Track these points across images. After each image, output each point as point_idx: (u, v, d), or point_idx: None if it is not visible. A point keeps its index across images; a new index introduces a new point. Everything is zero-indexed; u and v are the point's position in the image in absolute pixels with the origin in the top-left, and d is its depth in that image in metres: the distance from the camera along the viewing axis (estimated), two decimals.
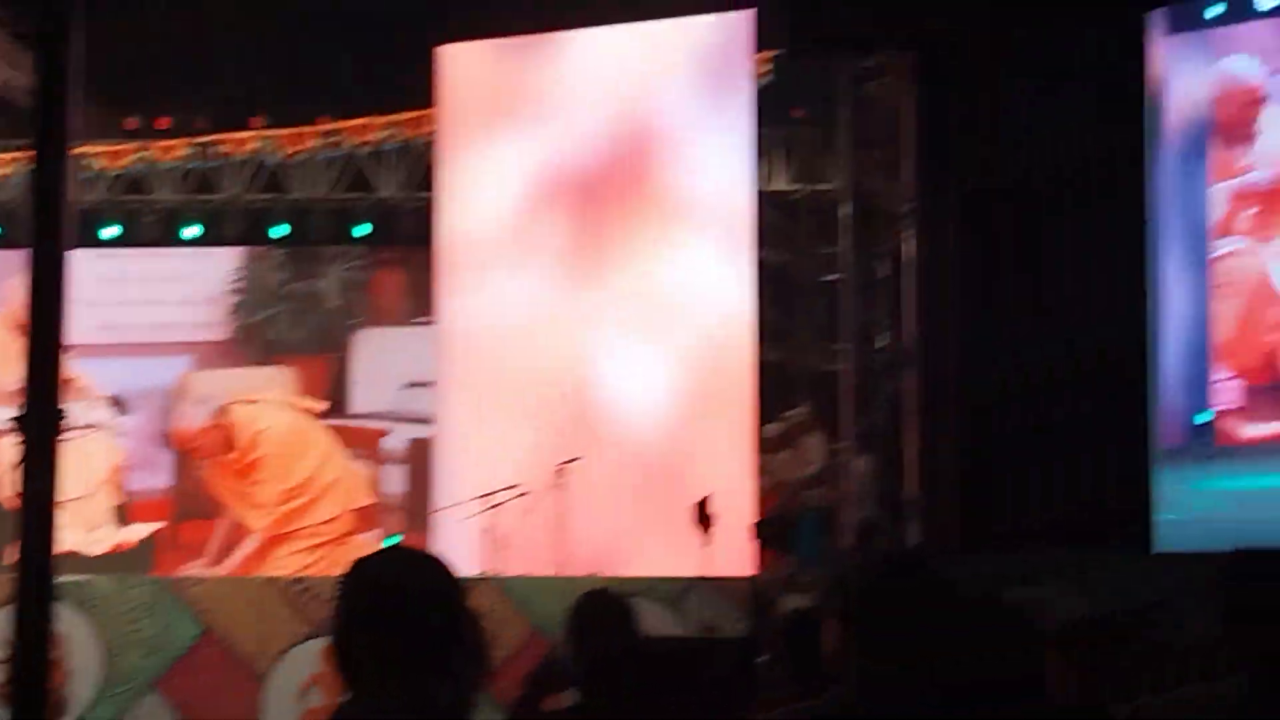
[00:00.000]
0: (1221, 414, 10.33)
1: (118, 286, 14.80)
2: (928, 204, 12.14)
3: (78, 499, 13.14)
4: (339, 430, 14.37)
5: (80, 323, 14.94)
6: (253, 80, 14.48)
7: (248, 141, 14.56)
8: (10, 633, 4.73)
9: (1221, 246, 10.38)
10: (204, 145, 14.66)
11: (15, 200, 15.12)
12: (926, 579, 2.55)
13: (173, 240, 15.14)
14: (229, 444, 13.89)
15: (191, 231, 14.91)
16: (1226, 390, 10.28)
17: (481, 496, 10.76)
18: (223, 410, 13.99)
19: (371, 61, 13.64)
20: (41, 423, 4.72)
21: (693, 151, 12.06)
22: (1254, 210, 10.32)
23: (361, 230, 14.92)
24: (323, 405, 14.24)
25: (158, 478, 14.48)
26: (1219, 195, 10.42)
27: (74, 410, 13.60)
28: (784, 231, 13.35)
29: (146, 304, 14.86)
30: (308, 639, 9.70)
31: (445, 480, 12.20)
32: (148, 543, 13.68)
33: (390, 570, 2.40)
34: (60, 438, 4.75)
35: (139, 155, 14.71)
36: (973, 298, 11.90)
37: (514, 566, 10.46)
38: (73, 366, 13.77)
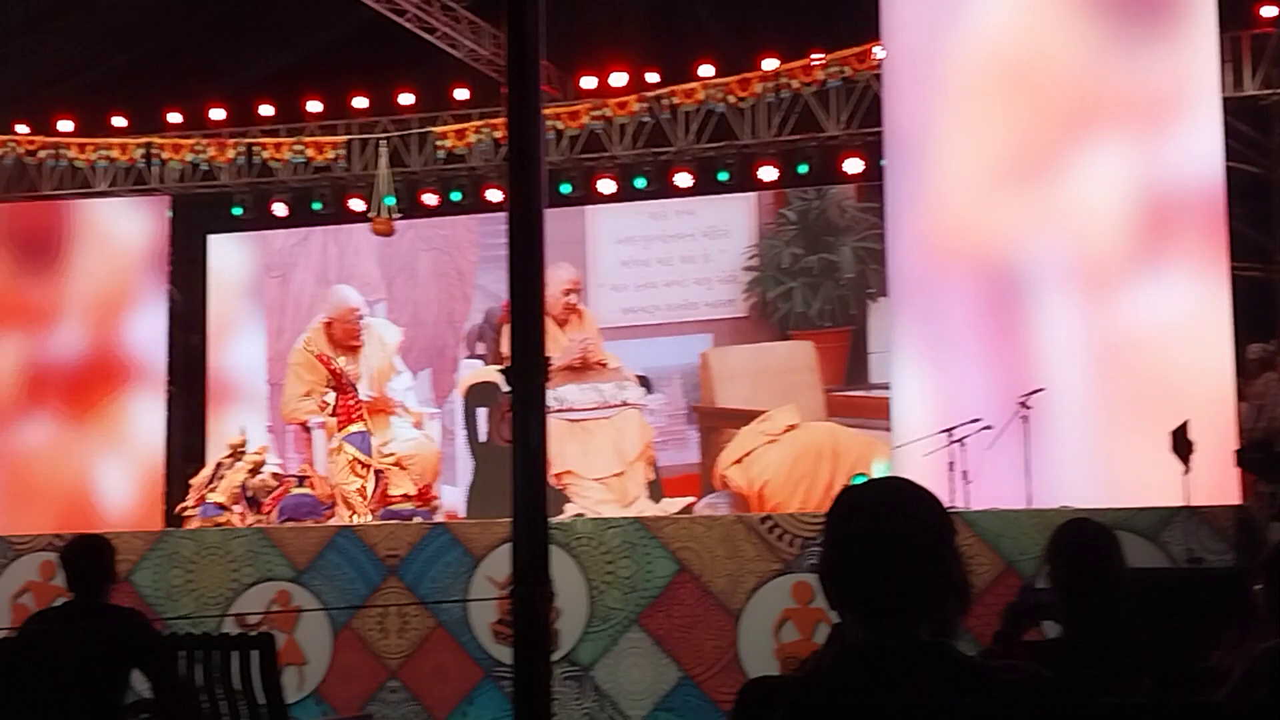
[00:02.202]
0: None
1: (639, 271, 15.58)
2: None
3: (616, 475, 13.83)
4: (859, 402, 14.60)
5: (608, 307, 15.89)
6: (697, 28, 14.75)
7: (696, 91, 14.85)
8: (510, 572, 5.01)
9: None
10: (656, 98, 15.04)
11: (486, 165, 15.98)
12: None
13: (629, 195, 15.72)
14: None
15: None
16: None
17: (944, 431, 10.65)
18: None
19: None
20: (528, 374, 4.95)
21: (1152, 56, 11.45)
22: None
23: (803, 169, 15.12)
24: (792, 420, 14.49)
25: (686, 453, 15.14)
26: None
27: (609, 390, 14.44)
28: (1254, 140, 12.64)
29: (667, 286, 15.57)
30: (778, 575, 9.87)
31: (905, 417, 12.12)
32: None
33: (883, 499, 2.41)
34: (545, 386, 4.97)
35: (596, 113, 15.22)
36: None
37: (981, 500, 10.32)
38: (606, 348, 14.64)
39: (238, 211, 17.09)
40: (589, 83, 15.56)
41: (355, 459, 12.64)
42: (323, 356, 13.24)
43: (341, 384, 13.01)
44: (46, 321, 16.73)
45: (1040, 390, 10.74)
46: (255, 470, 13.01)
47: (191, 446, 16.49)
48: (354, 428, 12.81)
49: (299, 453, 13.73)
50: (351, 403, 12.90)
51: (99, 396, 16.54)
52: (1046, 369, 11.21)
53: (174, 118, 17.05)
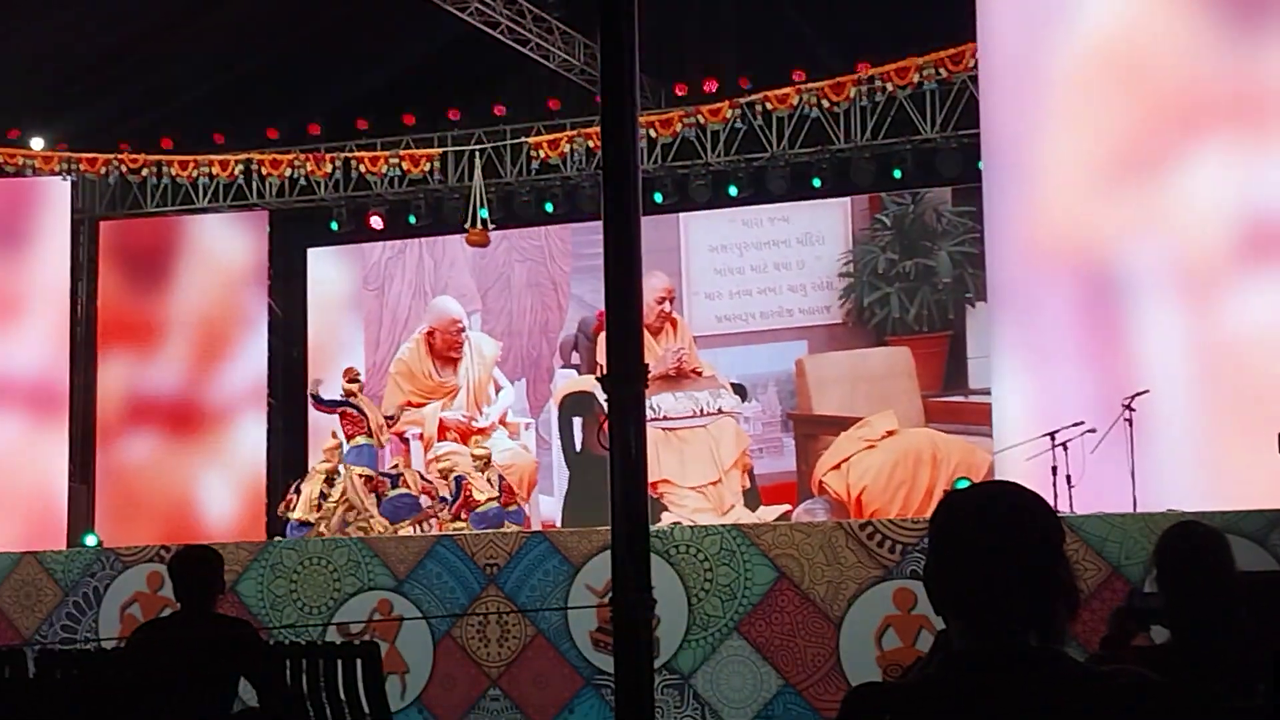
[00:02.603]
0: None
1: (733, 278, 15.55)
2: None
3: (713, 483, 13.78)
4: (957, 407, 14.50)
5: (702, 315, 15.90)
6: (789, 33, 14.69)
7: (790, 96, 14.80)
8: (608, 580, 5.01)
9: None
10: (748, 105, 15.01)
11: (580, 175, 16.03)
12: None
13: (722, 202, 15.71)
14: None
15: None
16: None
17: (1046, 435, 10.54)
18: None
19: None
20: (626, 380, 4.96)
21: (1259, 55, 11.21)
22: None
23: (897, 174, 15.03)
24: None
25: (782, 460, 15.09)
26: None
27: (704, 399, 14.38)
28: None
29: (762, 293, 15.53)
30: (879, 582, 9.80)
31: (1007, 421, 12.00)
32: None
33: (990, 502, 2.38)
34: (644, 393, 4.98)
35: (688, 120, 15.22)
36: None
37: (1085, 505, 10.19)
38: (701, 356, 14.61)
39: (335, 226, 17.28)
40: (681, 90, 15.56)
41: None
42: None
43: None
44: (151, 336, 17.00)
45: (1144, 392, 10.60)
46: (330, 479, 13.13)
47: (293, 458, 16.67)
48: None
49: (397, 457, 13.88)
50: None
51: (202, 410, 16.79)
52: (1150, 371, 11.06)
53: (273, 134, 17.27)
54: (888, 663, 9.56)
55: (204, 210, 17.33)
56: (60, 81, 16.38)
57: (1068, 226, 11.60)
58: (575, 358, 16.17)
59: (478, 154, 16.11)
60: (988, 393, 12.92)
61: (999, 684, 2.28)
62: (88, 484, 17.04)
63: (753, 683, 9.98)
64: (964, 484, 13.04)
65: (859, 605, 9.83)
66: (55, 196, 16.78)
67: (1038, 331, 11.73)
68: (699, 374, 14.44)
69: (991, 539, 2.33)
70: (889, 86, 14.33)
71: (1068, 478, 10.30)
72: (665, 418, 14.30)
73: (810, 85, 14.77)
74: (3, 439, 16.18)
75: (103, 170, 17.20)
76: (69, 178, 17.02)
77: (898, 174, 14.91)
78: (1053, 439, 10.46)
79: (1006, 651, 2.31)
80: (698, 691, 10.07)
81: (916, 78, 14.19)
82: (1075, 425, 10.42)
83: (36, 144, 17.21)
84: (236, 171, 16.97)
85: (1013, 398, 11.95)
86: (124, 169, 17.21)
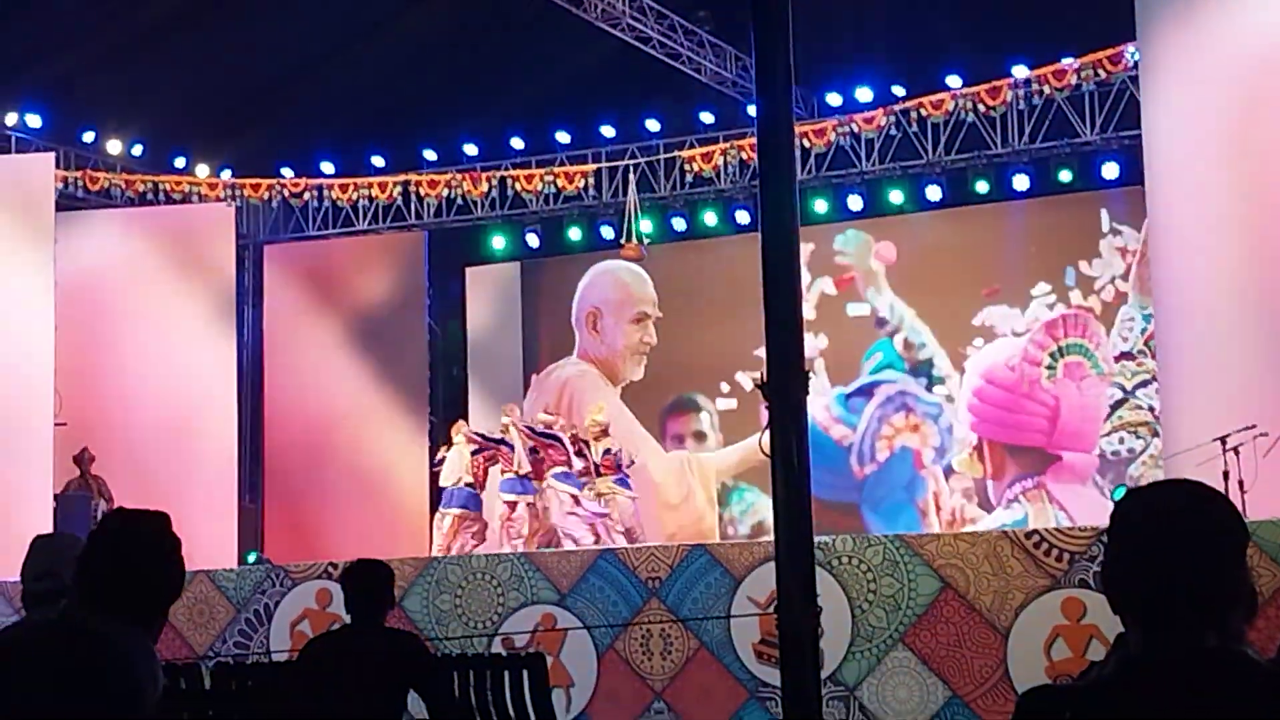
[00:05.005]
0: None
1: None
2: None
3: None
4: None
5: None
6: (942, 38, 14.55)
7: (945, 102, 14.64)
8: (771, 591, 4.99)
9: None
10: (903, 112, 14.88)
11: (734, 188, 16.01)
12: None
13: (882, 211, 15.59)
14: None
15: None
16: None
17: (1218, 439, 10.27)
18: None
19: None
20: (788, 388, 4.93)
21: None
22: None
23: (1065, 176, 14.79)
24: None
25: None
26: None
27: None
28: None
29: None
30: (1047, 591, 9.62)
31: (1175, 425, 11.73)
32: None
33: (1176, 501, 2.32)
34: (805, 400, 4.95)
35: (842, 130, 15.13)
36: None
37: (1259, 510, 9.91)
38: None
39: (493, 244, 17.48)
40: (834, 99, 15.48)
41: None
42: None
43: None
44: (315, 358, 17.32)
45: None
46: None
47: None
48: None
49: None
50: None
51: (364, 428, 17.06)
52: None
53: (429, 154, 17.52)
54: (1057, 673, 9.38)
55: (364, 232, 17.63)
56: (223, 110, 16.79)
57: (1236, 226, 11.31)
58: None
59: (631, 169, 16.18)
60: None
61: (1180, 684, 2.22)
62: (256, 503, 17.41)
63: (919, 694, 9.85)
64: (1122, 491, 12.78)
65: (1026, 615, 9.67)
66: (220, 222, 17.17)
67: (1206, 332, 11.45)
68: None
69: (1174, 538, 2.27)
70: (1046, 89, 14.11)
71: (1240, 482, 10.03)
72: None
73: (965, 90, 14.60)
74: (174, 459, 16.57)
75: (265, 195, 17.59)
76: (233, 203, 17.43)
77: (1065, 176, 14.63)
78: (1223, 443, 10.20)
79: (1188, 652, 2.25)
80: (863, 704, 9.97)
81: (1074, 79, 13.96)
82: (1247, 429, 10.15)
83: (202, 171, 17.65)
84: (395, 193, 17.25)
85: (1182, 401, 11.68)
86: (285, 193, 17.58)
